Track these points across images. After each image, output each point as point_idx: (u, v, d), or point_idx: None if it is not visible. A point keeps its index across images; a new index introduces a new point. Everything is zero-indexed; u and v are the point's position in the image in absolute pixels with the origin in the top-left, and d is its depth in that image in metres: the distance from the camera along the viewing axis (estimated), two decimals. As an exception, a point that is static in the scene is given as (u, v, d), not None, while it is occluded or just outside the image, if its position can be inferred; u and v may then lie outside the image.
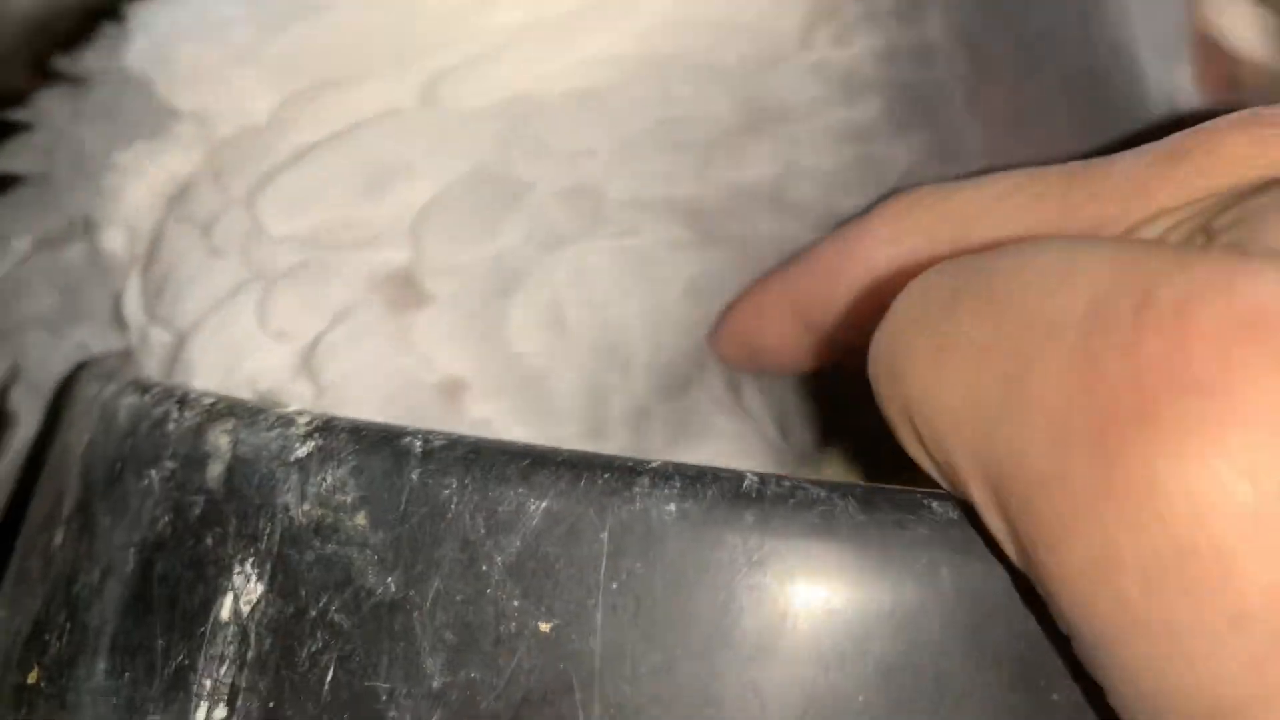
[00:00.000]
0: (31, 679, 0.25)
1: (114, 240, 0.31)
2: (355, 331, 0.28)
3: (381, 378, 0.28)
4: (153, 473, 0.25)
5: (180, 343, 0.29)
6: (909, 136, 0.29)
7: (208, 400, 0.25)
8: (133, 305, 0.30)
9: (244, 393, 0.28)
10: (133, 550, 0.24)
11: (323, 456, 0.22)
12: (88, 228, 0.31)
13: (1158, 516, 0.16)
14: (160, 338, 0.30)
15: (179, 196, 0.30)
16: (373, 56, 0.30)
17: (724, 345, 0.28)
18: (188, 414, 0.25)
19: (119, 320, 0.31)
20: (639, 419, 0.27)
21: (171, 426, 0.25)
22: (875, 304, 0.25)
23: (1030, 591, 0.19)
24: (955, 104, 0.30)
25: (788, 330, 0.27)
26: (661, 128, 0.28)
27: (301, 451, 0.23)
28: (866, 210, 0.26)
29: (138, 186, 0.31)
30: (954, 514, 0.20)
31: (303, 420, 0.23)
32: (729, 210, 0.28)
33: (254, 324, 0.28)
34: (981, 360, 0.18)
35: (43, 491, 0.29)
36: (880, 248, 0.25)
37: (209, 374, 0.29)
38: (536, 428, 0.27)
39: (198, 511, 0.24)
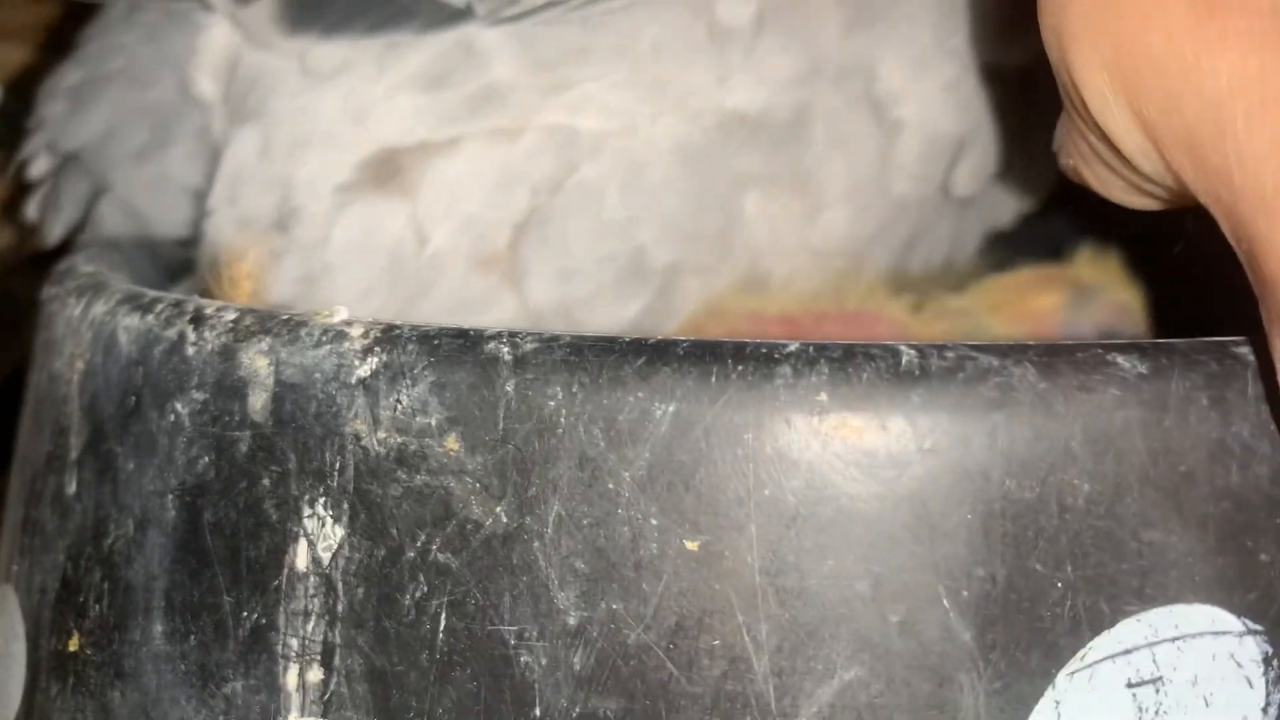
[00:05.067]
0: (73, 646, 0.22)
1: (203, 82, 0.31)
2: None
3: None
4: (178, 406, 0.21)
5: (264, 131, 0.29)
6: None
7: (229, 315, 0.21)
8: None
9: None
10: (171, 497, 0.21)
11: (391, 374, 0.19)
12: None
13: None
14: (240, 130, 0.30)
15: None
16: None
17: None
18: (208, 334, 0.21)
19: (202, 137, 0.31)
20: None
21: (191, 351, 0.21)
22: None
23: (1234, 446, 0.17)
24: None
25: None
26: None
27: (363, 370, 0.19)
28: None
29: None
30: (1143, 367, 0.18)
31: (356, 332, 0.20)
32: None
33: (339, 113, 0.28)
34: None
35: (34, 427, 0.25)
36: None
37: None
38: None
39: (244, 449, 0.20)
